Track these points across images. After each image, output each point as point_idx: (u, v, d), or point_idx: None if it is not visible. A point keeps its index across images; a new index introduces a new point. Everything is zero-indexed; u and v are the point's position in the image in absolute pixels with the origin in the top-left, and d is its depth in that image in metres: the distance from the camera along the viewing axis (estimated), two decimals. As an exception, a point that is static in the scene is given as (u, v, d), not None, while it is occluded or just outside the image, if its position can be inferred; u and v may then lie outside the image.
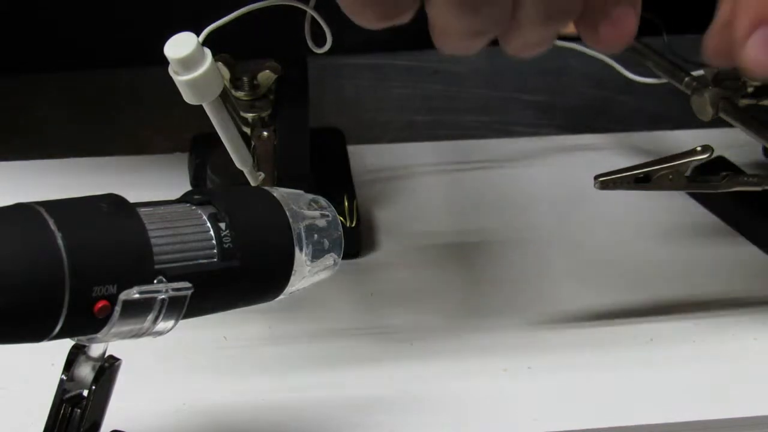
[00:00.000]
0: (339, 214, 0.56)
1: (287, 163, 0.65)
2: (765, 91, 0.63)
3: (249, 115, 0.62)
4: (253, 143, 0.63)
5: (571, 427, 0.54)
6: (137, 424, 0.52)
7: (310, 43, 0.59)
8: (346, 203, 0.66)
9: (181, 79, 0.56)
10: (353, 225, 0.65)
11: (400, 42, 0.85)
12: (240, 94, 0.62)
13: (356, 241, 0.66)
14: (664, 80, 0.67)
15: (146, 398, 0.55)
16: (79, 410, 0.45)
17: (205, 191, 0.47)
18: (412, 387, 0.57)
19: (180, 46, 0.55)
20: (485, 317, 0.61)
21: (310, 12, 0.59)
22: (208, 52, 0.56)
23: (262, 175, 0.62)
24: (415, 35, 0.90)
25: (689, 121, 0.64)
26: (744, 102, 0.62)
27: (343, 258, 0.58)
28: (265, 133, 0.63)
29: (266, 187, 0.50)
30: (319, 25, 0.58)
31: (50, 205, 0.42)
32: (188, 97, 0.57)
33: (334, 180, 0.68)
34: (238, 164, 0.60)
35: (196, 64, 0.55)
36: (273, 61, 0.64)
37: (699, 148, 0.56)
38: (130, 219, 0.43)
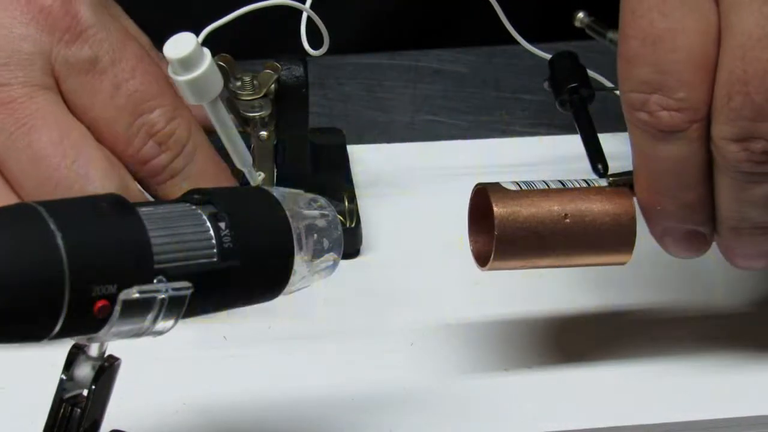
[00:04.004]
0: (339, 214, 0.56)
1: (287, 163, 0.65)
2: None
3: (249, 115, 0.62)
4: (252, 143, 0.63)
5: (571, 427, 0.54)
6: (137, 424, 0.52)
7: (306, 45, 0.59)
8: (347, 203, 0.65)
9: (180, 79, 0.56)
10: (353, 225, 0.65)
11: (400, 42, 0.85)
12: (240, 94, 0.62)
13: (356, 241, 0.65)
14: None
15: (146, 398, 0.55)
16: (79, 410, 0.45)
17: (205, 191, 0.47)
18: (412, 387, 0.56)
19: (179, 46, 0.55)
20: (485, 317, 0.61)
21: (307, 12, 0.59)
22: (207, 52, 0.56)
23: (262, 175, 0.62)
24: (415, 35, 0.90)
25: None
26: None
27: (344, 258, 0.58)
28: (265, 133, 0.63)
29: (266, 187, 0.50)
30: (317, 25, 0.58)
31: (50, 205, 0.42)
32: (188, 98, 0.57)
33: (334, 180, 0.68)
34: (237, 164, 0.60)
35: (195, 64, 0.55)
36: (273, 61, 0.64)
37: None
38: (130, 219, 0.43)
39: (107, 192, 0.55)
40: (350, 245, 0.64)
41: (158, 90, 0.60)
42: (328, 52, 0.60)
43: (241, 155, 0.60)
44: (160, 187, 0.61)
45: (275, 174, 0.64)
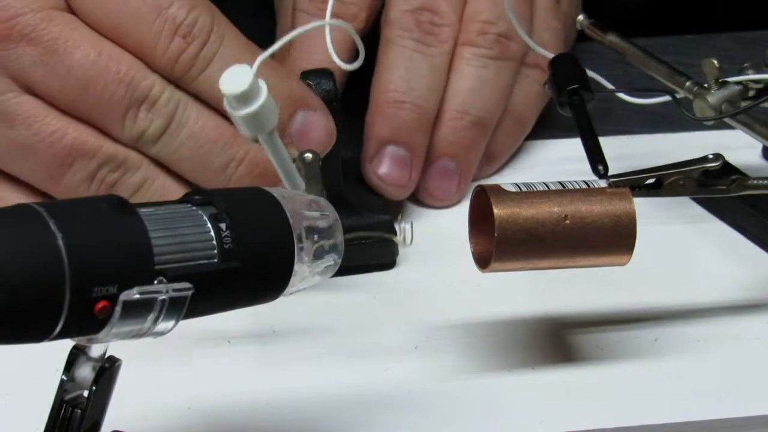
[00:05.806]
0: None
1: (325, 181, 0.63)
2: (766, 94, 0.63)
3: None
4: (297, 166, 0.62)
5: (576, 428, 0.54)
6: (138, 425, 0.52)
7: (336, 59, 0.57)
8: (401, 220, 0.65)
9: (238, 114, 0.54)
10: (410, 243, 0.64)
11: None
12: None
13: (394, 251, 0.65)
14: (654, 99, 0.67)
15: (147, 399, 0.55)
16: (79, 411, 0.45)
17: (206, 192, 0.47)
18: (414, 388, 0.56)
19: (236, 80, 0.53)
20: (488, 318, 0.61)
21: (348, 30, 0.58)
22: (263, 84, 0.54)
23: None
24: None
25: (686, 121, 0.64)
26: (745, 105, 0.62)
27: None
28: (309, 155, 0.62)
29: (266, 188, 0.50)
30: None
31: (51, 206, 0.42)
32: (244, 131, 0.55)
33: (366, 195, 0.67)
34: (290, 189, 0.59)
35: (252, 97, 0.53)
36: (304, 80, 0.63)
37: (711, 156, 0.56)
38: (130, 219, 0.43)
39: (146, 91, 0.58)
40: (389, 255, 0.64)
41: None
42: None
43: (294, 183, 0.59)
44: (200, 80, 0.60)
45: (325, 194, 0.63)
